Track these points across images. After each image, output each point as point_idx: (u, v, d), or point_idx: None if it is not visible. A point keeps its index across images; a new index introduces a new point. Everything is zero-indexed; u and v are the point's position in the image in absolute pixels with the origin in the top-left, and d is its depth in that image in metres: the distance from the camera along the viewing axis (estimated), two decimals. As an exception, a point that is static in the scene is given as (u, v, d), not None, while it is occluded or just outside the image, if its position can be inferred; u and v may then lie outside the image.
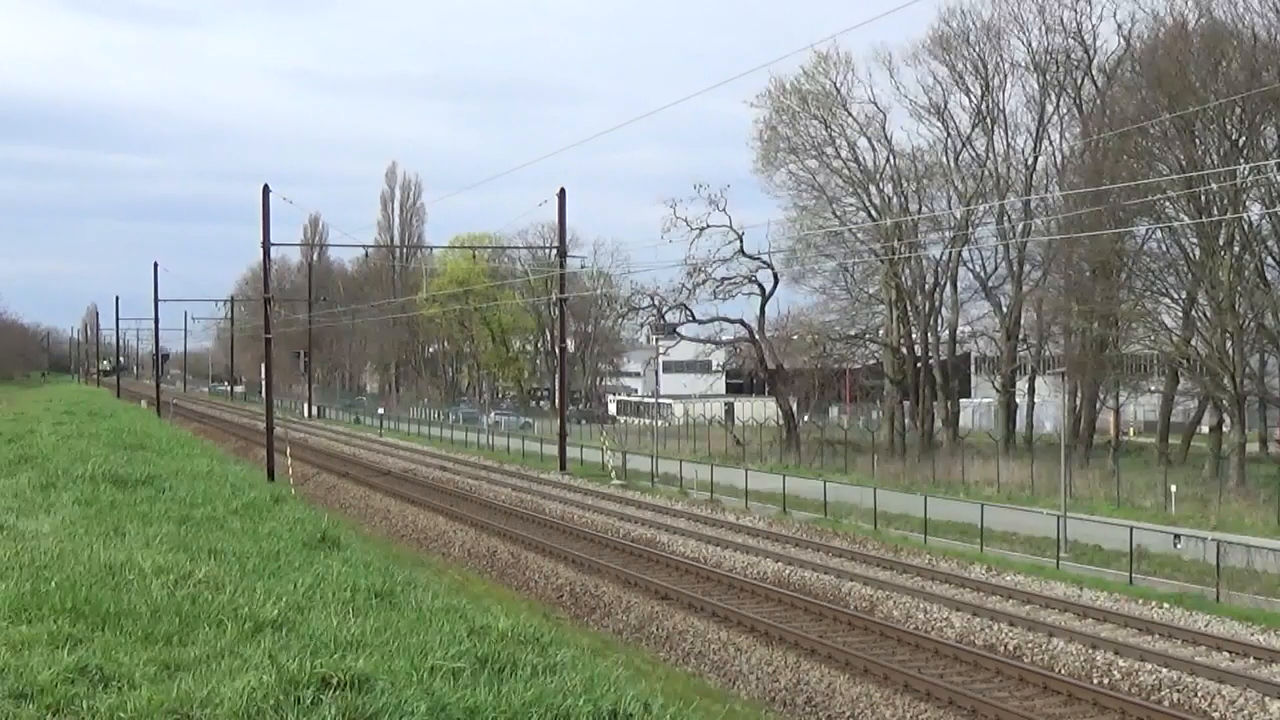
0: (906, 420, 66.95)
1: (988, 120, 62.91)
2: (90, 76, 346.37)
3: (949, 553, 32.23)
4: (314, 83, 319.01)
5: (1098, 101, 59.15)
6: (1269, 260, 49.66)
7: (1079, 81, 60.87)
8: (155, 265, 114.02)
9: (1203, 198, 47.89)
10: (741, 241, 65.81)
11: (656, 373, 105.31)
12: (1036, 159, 62.69)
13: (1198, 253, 49.92)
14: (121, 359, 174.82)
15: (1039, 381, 68.01)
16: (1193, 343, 51.37)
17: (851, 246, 67.46)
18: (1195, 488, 42.46)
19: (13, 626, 13.15)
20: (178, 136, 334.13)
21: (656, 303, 69.81)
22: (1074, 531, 32.69)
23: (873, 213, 65.18)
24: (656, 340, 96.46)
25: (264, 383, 68.76)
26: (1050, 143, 62.75)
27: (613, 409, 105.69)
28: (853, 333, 69.74)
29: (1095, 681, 20.64)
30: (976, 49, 62.50)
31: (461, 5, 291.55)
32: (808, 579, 29.37)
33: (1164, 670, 20.67)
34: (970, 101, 63.28)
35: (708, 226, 65.01)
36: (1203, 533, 32.23)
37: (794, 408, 69.41)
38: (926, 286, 65.81)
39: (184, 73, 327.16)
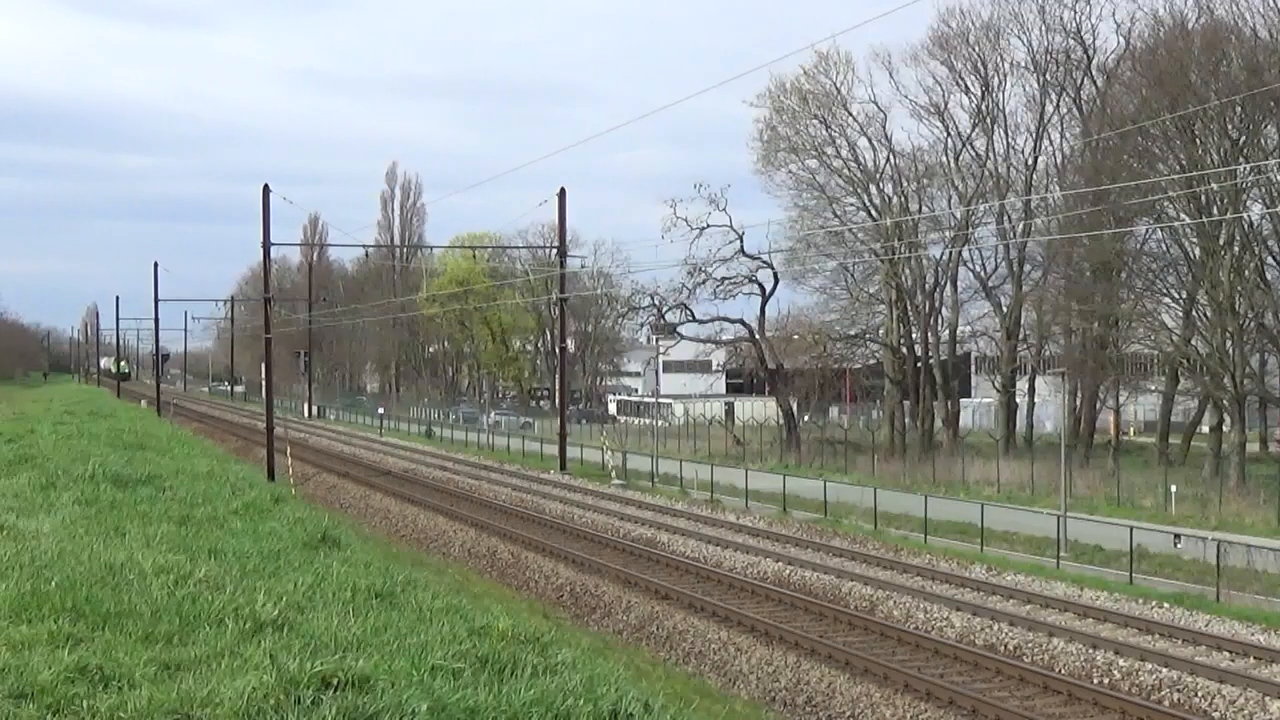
0: (906, 420, 66.95)
1: (988, 120, 62.90)
2: (92, 76, 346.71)
3: (949, 552, 32.22)
4: (315, 82, 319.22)
5: (1098, 101, 59.14)
6: (1269, 260, 49.66)
7: (1079, 81, 60.86)
8: (155, 265, 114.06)
9: (1203, 197, 47.87)
10: (741, 241, 65.96)
11: (656, 373, 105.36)
12: (1036, 159, 62.79)
13: (1198, 252, 49.92)
14: (125, 360, 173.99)
15: (1039, 381, 68.02)
16: (1193, 342, 51.37)
17: (851, 246, 67.48)
18: (1195, 487, 42.45)
19: (13, 626, 13.16)
20: (178, 136, 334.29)
21: (656, 303, 69.88)
22: (1074, 531, 32.70)
23: (873, 213, 65.19)
24: (656, 340, 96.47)
25: (264, 383, 68.77)
26: (1050, 143, 62.86)
27: (613, 409, 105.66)
28: (853, 333, 69.74)
29: (1095, 681, 20.64)
30: (976, 49, 62.55)
31: (463, 5, 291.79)
32: (808, 579, 29.37)
33: (1164, 670, 20.67)
34: (970, 101, 63.35)
35: (708, 226, 65.18)
36: (1203, 532, 32.24)
37: (794, 408, 69.40)
38: (926, 286, 65.81)
39: (185, 72, 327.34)
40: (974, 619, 24.77)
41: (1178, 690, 19.83)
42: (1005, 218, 63.24)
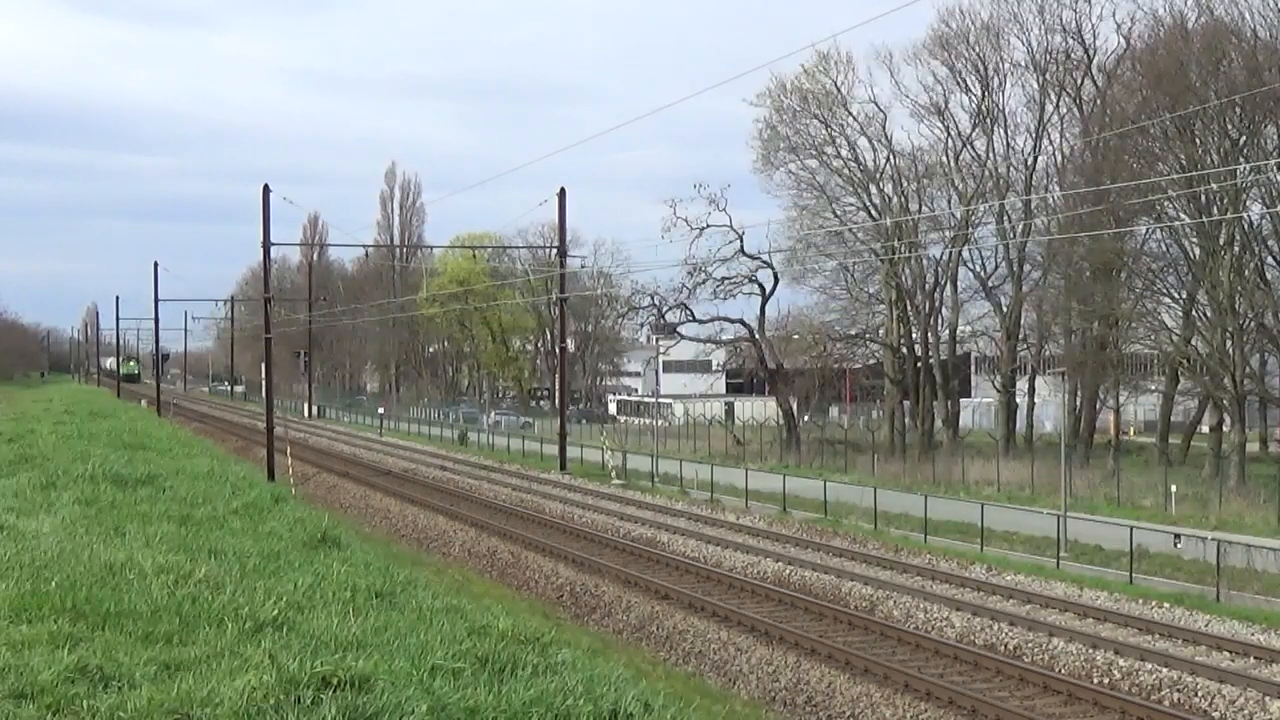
0: (906, 420, 66.95)
1: (988, 120, 62.87)
2: (92, 76, 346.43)
3: (949, 552, 32.22)
4: (315, 83, 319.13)
5: (1098, 101, 59.10)
6: (1269, 260, 49.64)
7: (1079, 81, 60.81)
8: (155, 265, 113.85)
9: (1203, 197, 47.86)
10: (741, 241, 66.00)
11: (656, 373, 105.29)
12: (1036, 159, 62.72)
13: (1198, 252, 49.90)
14: (133, 360, 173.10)
15: (1039, 381, 67.98)
16: (1193, 342, 51.35)
17: (851, 246, 67.47)
18: (1195, 487, 42.43)
19: (13, 626, 13.16)
20: (178, 136, 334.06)
21: (656, 302, 69.94)
22: (1074, 531, 32.69)
23: (873, 212, 65.19)
24: (656, 340, 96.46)
25: (264, 382, 68.77)
26: (1050, 143, 62.79)
27: (613, 409, 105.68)
28: (853, 332, 69.72)
29: (1095, 681, 20.64)
30: (976, 49, 62.50)
31: (463, 5, 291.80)
32: (808, 579, 29.37)
33: (1164, 670, 20.67)
34: (970, 101, 63.31)
35: (708, 226, 65.27)
36: (1203, 532, 32.23)
37: (794, 407, 69.41)
38: (926, 286, 65.80)
39: (185, 72, 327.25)
40: (974, 619, 24.77)
41: (1178, 690, 19.84)
42: (1005, 218, 63.22)
